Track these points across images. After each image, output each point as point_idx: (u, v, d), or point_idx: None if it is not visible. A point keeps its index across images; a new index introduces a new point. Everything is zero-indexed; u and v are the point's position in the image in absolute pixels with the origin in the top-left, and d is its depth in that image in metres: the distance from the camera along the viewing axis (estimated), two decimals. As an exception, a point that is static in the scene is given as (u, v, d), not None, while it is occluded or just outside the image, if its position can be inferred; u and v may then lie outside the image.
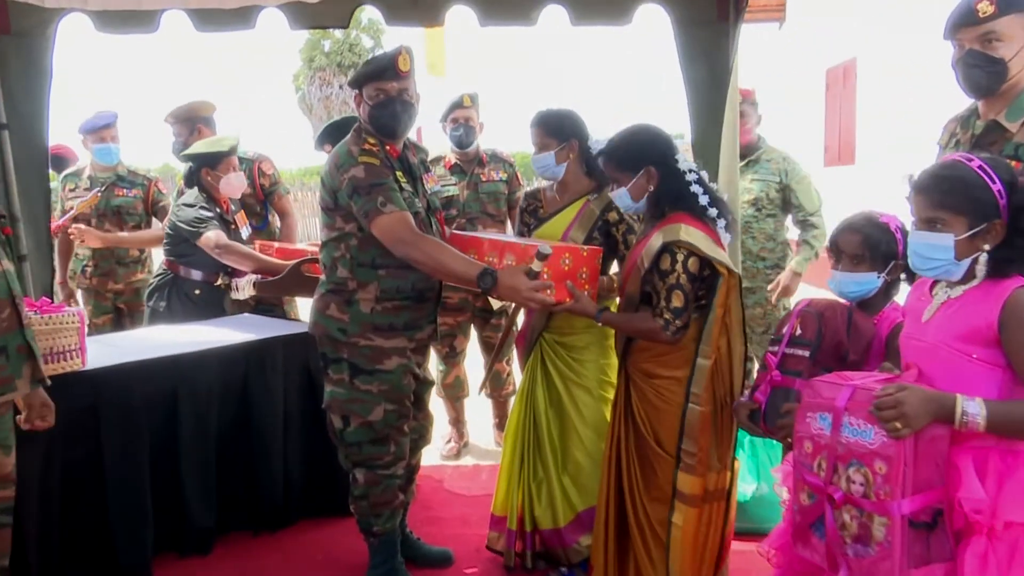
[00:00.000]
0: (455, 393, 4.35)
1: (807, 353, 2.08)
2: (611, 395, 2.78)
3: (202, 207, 3.63)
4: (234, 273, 3.69)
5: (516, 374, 4.34)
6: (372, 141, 2.65)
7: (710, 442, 2.43)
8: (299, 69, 31.12)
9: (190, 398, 2.99)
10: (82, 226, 4.19)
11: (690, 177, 2.45)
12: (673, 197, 2.45)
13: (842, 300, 2.18)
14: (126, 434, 2.81)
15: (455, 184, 4.09)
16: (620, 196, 2.50)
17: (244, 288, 3.61)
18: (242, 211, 3.87)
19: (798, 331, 2.11)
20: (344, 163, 2.61)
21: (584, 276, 2.58)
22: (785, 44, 11.07)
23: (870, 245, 2.13)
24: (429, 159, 4.18)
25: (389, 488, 2.76)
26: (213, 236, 3.55)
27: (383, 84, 2.65)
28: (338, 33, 27.20)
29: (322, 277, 2.75)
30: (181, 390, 2.97)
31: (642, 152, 2.46)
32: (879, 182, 7.99)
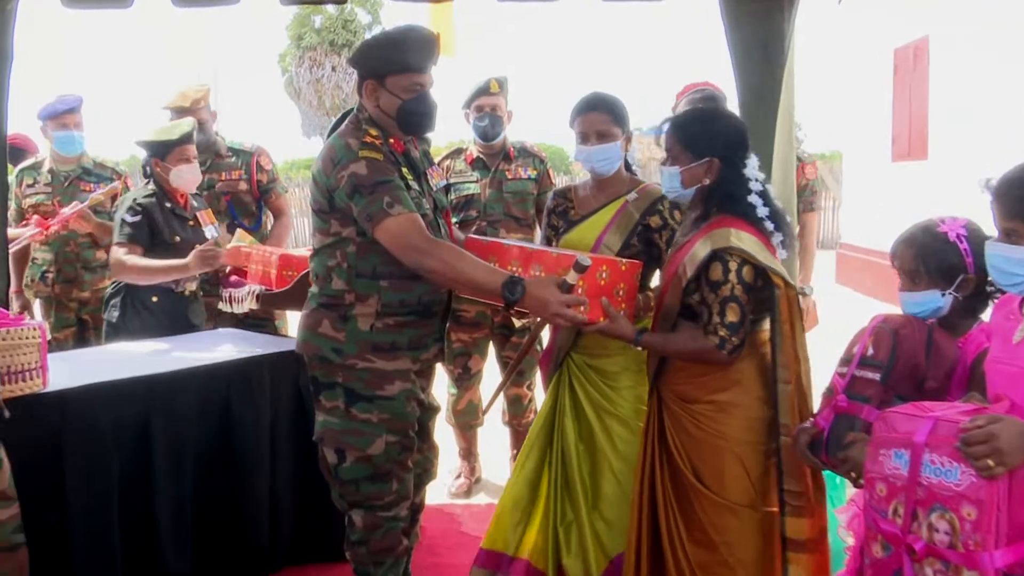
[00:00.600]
0: (467, 421, 4.34)
1: (878, 376, 2.09)
2: None
3: (132, 208, 3.68)
4: (228, 284, 3.72)
5: (540, 399, 4.37)
6: (374, 133, 2.65)
7: (812, 481, 2.43)
8: (286, 48, 31.36)
9: (165, 424, 3.01)
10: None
11: (753, 186, 2.48)
12: (726, 198, 2.47)
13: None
14: (92, 466, 2.83)
15: (476, 181, 4.10)
16: (670, 175, 2.53)
17: (245, 300, 3.64)
18: (207, 209, 3.89)
19: (870, 351, 2.11)
20: (342, 158, 2.59)
21: (621, 293, 2.58)
22: (845, 21, 11.07)
23: (924, 259, 2.14)
24: (451, 152, 4.22)
25: (391, 532, 2.75)
26: (115, 252, 3.63)
27: (420, 76, 2.64)
28: (331, 7, 27.37)
29: (312, 289, 2.75)
30: (155, 415, 2.99)
31: (714, 139, 2.50)
32: (956, 180, 7.97)
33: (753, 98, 3.43)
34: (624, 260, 2.65)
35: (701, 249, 2.42)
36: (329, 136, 2.72)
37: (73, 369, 3.07)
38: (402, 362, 2.69)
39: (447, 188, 3.95)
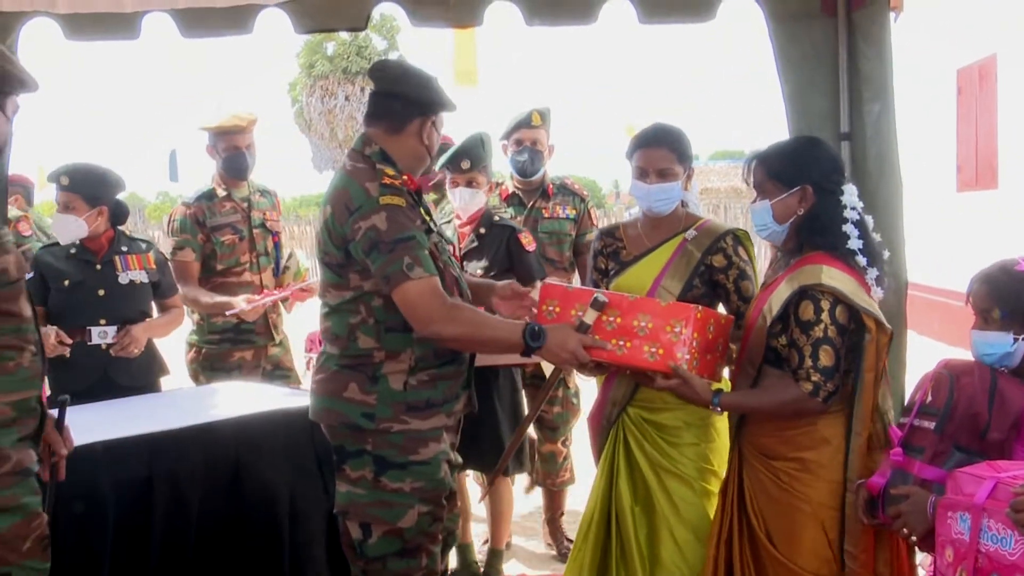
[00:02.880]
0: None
1: (933, 425, 2.07)
2: (713, 487, 2.77)
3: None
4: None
5: (580, 459, 4.35)
6: (391, 173, 2.64)
7: (873, 542, 2.39)
8: (296, 77, 31.88)
9: (167, 487, 3.00)
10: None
11: (848, 214, 2.47)
12: (817, 229, 2.47)
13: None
14: (86, 535, 2.82)
15: (511, 219, 4.10)
16: (760, 211, 2.53)
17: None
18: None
19: (929, 398, 2.10)
20: (361, 207, 2.56)
21: (678, 335, 2.54)
22: (904, 39, 11.08)
23: (1001, 299, 2.13)
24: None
25: None
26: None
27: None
28: (344, 34, 27.85)
29: (329, 350, 2.71)
30: (157, 477, 2.99)
31: (805, 166, 2.51)
32: (1031, 211, 7.90)
33: (805, 125, 3.43)
34: (700, 308, 2.62)
35: (788, 286, 2.41)
36: (337, 174, 2.72)
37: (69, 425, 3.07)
38: (437, 419, 2.68)
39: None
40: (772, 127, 3.56)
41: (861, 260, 2.45)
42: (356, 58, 30.35)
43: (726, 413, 2.68)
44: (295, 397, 3.54)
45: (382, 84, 2.73)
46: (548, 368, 3.95)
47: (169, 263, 4.00)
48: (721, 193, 23.36)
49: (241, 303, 3.96)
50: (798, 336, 2.38)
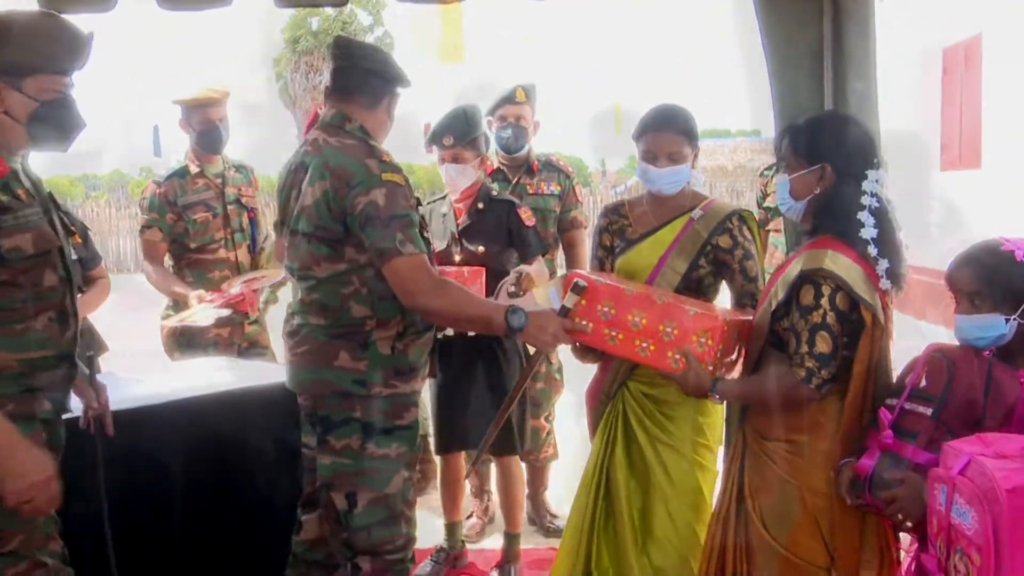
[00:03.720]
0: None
1: (930, 411, 2.07)
2: (707, 461, 2.84)
3: None
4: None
5: (564, 433, 4.37)
6: (385, 151, 2.73)
7: (858, 532, 2.37)
8: (281, 52, 31.63)
9: (151, 464, 3.01)
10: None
11: (867, 201, 2.39)
12: (831, 213, 2.41)
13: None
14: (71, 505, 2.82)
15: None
16: (781, 185, 2.51)
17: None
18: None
19: (923, 382, 2.09)
20: (362, 182, 2.61)
21: (704, 343, 2.51)
22: (889, 17, 11.09)
23: (988, 280, 2.12)
24: None
25: None
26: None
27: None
28: (328, 9, 27.63)
29: (313, 321, 2.73)
30: (141, 454, 2.99)
31: (827, 144, 2.44)
32: (1013, 191, 7.94)
33: (790, 105, 3.43)
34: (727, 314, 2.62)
35: (794, 269, 2.39)
36: (322, 150, 2.71)
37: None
38: (416, 383, 2.78)
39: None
40: (758, 107, 3.55)
41: (872, 250, 2.36)
42: (341, 33, 30.20)
43: None
44: (274, 371, 3.55)
45: (356, 60, 2.76)
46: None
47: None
48: (707, 171, 23.34)
49: (192, 300, 3.96)
50: (797, 320, 2.35)
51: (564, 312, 2.62)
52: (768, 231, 5.57)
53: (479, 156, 3.75)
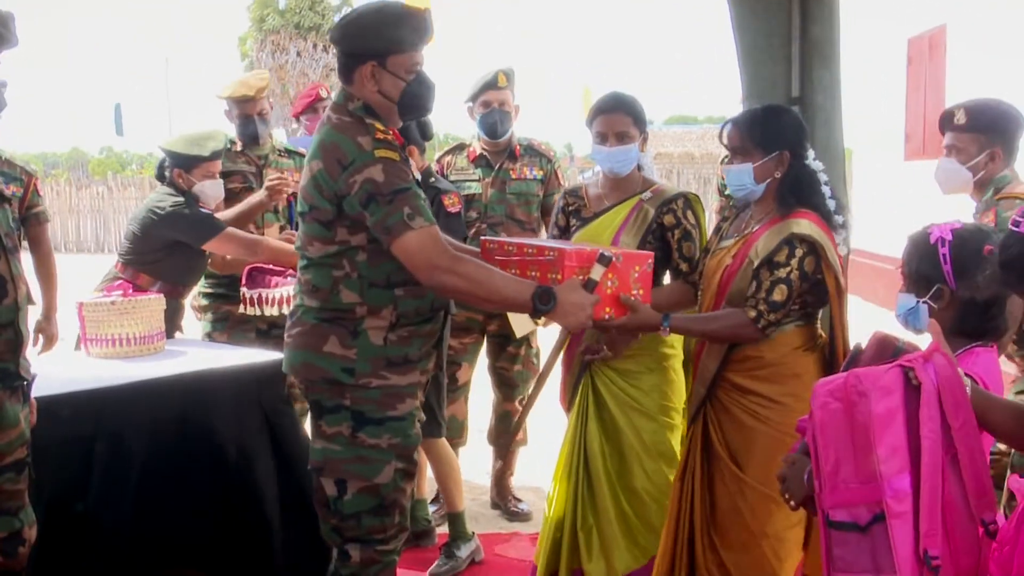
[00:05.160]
0: (450, 439, 4.28)
1: None
2: (676, 421, 3.06)
3: (193, 206, 3.80)
4: (259, 282, 3.82)
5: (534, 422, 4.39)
6: (381, 127, 2.61)
7: None
8: (247, 31, 31.29)
9: (111, 447, 2.98)
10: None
11: (821, 176, 2.72)
12: (805, 191, 2.69)
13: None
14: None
15: (478, 180, 4.16)
16: (740, 172, 2.72)
17: (277, 303, 3.75)
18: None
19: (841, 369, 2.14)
20: (355, 160, 2.53)
21: (635, 277, 2.68)
22: (857, 7, 11.17)
23: (907, 260, 2.20)
24: (452, 147, 4.34)
25: (388, 568, 2.75)
26: (235, 237, 3.78)
27: (419, 55, 2.67)
28: (296, -13, 27.41)
29: (307, 303, 2.67)
30: (101, 437, 2.96)
31: (783, 133, 2.73)
32: (974, 181, 8.03)
33: (758, 92, 3.46)
34: (621, 249, 2.77)
35: (775, 235, 2.62)
36: (322, 129, 2.65)
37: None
38: (413, 375, 2.70)
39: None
40: (725, 93, 3.60)
41: (837, 219, 2.71)
42: (309, 12, 29.79)
43: (681, 352, 3.08)
44: (238, 354, 3.55)
45: (337, 42, 2.70)
46: (518, 326, 3.95)
47: None
48: (674, 158, 23.39)
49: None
50: (763, 271, 2.61)
51: (592, 286, 2.57)
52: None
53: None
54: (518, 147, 4.23)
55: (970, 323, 2.10)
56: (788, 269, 2.59)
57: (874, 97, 11.06)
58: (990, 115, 3.08)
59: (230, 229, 3.78)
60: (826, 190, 2.73)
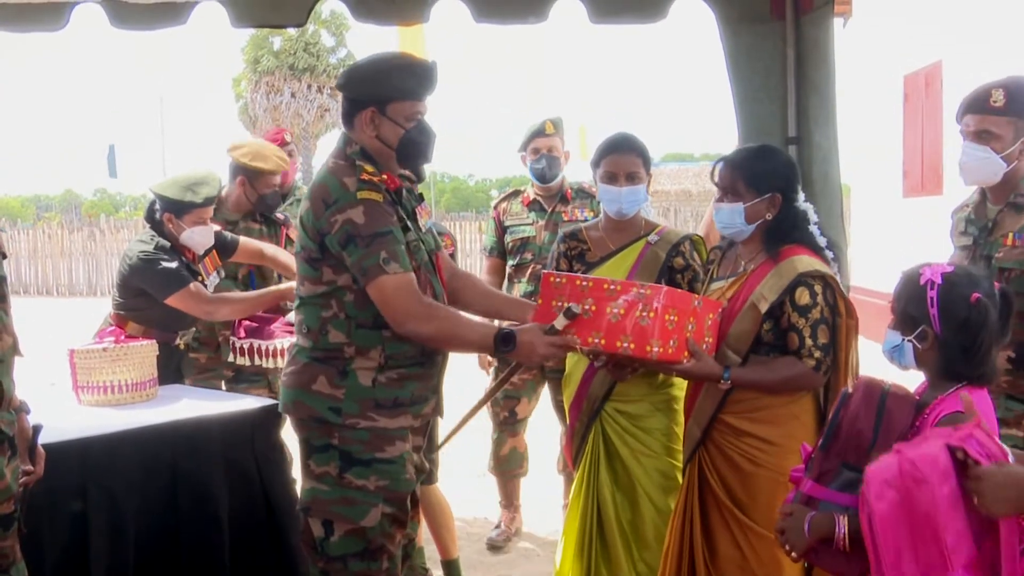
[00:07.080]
0: (511, 469, 4.52)
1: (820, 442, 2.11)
2: (679, 461, 3.03)
3: (163, 256, 3.75)
4: (255, 332, 3.85)
5: (534, 447, 4.48)
6: (370, 170, 2.65)
7: None
8: (241, 72, 31.54)
9: (103, 496, 2.95)
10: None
11: (812, 216, 2.80)
12: (795, 229, 2.75)
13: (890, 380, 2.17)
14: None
15: (531, 224, 4.40)
16: (732, 212, 2.75)
17: (277, 355, 3.76)
18: (212, 254, 3.95)
19: (831, 415, 2.12)
20: (337, 200, 2.59)
21: (708, 325, 2.70)
22: (852, 44, 11.28)
23: (896, 298, 2.17)
24: (508, 192, 4.56)
25: None
26: (199, 293, 3.72)
27: (422, 105, 2.71)
28: (290, 29, 27.63)
29: (301, 342, 2.72)
30: (92, 486, 2.93)
31: (775, 175, 2.76)
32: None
33: (754, 129, 3.47)
34: (697, 297, 2.76)
35: (780, 276, 2.64)
36: (318, 172, 2.71)
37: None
38: (404, 419, 2.70)
39: (506, 231, 4.41)
40: (722, 130, 3.64)
41: (828, 254, 2.76)
42: (303, 54, 30.09)
43: (682, 402, 2.98)
44: (230, 400, 3.52)
45: (341, 87, 2.75)
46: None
47: None
48: (671, 196, 23.44)
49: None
50: (796, 320, 2.65)
51: (552, 331, 2.62)
52: None
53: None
54: (569, 191, 4.45)
55: (955, 366, 2.08)
56: (818, 309, 2.65)
57: (872, 134, 11.12)
58: None
59: (194, 285, 3.73)
60: (815, 229, 2.77)
